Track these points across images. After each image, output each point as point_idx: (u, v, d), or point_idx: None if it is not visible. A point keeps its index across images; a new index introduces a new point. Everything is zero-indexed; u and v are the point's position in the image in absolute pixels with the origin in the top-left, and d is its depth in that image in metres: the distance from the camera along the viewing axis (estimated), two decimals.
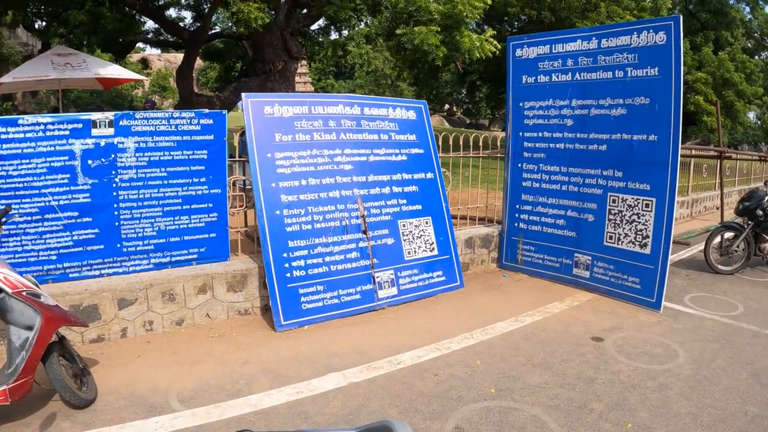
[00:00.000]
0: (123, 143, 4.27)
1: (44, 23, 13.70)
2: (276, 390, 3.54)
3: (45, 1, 9.12)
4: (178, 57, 34.96)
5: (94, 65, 8.50)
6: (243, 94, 4.85)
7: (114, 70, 9.19)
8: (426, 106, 5.82)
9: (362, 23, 9.35)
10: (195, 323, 4.57)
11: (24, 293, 3.06)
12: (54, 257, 4.19)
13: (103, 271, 4.34)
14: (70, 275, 4.26)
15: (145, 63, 27.15)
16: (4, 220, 3.35)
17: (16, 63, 20.68)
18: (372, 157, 5.21)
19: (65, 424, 3.12)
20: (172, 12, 18.04)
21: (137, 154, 4.32)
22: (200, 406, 3.35)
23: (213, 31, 14.58)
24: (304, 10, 10.96)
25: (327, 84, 33.54)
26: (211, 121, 4.62)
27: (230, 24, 14.22)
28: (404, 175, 5.37)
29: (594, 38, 5.40)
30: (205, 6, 16.98)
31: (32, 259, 4.13)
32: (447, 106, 44.28)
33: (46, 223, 4.13)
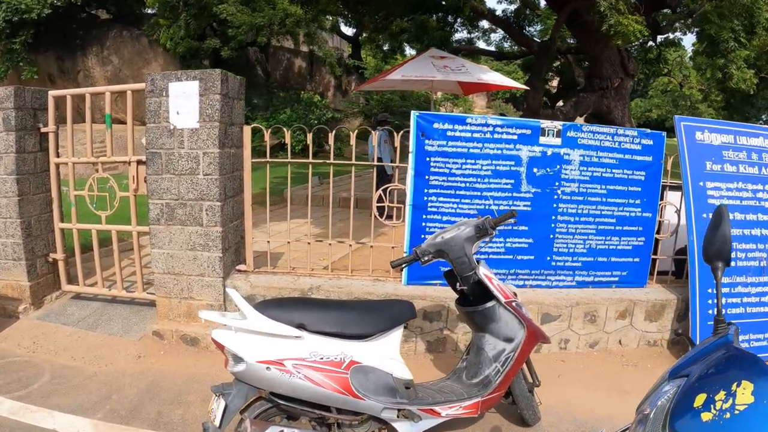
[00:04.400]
0: (569, 155, 4.20)
1: (356, 29, 14.61)
2: None
3: (371, 11, 9.76)
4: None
5: (474, 70, 8.52)
6: (675, 117, 4.44)
7: (496, 77, 8.99)
8: None
9: (740, 45, 8.09)
10: (607, 348, 4.34)
11: (513, 304, 2.92)
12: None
13: (527, 282, 4.35)
14: None
15: None
16: (502, 224, 3.06)
17: (331, 65, 23.50)
18: None
19: None
20: (484, 23, 18.53)
21: (581, 168, 4.21)
22: None
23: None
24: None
25: None
26: (651, 142, 4.30)
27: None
28: None
29: None
30: (522, 18, 17.00)
31: None
32: None
33: None
